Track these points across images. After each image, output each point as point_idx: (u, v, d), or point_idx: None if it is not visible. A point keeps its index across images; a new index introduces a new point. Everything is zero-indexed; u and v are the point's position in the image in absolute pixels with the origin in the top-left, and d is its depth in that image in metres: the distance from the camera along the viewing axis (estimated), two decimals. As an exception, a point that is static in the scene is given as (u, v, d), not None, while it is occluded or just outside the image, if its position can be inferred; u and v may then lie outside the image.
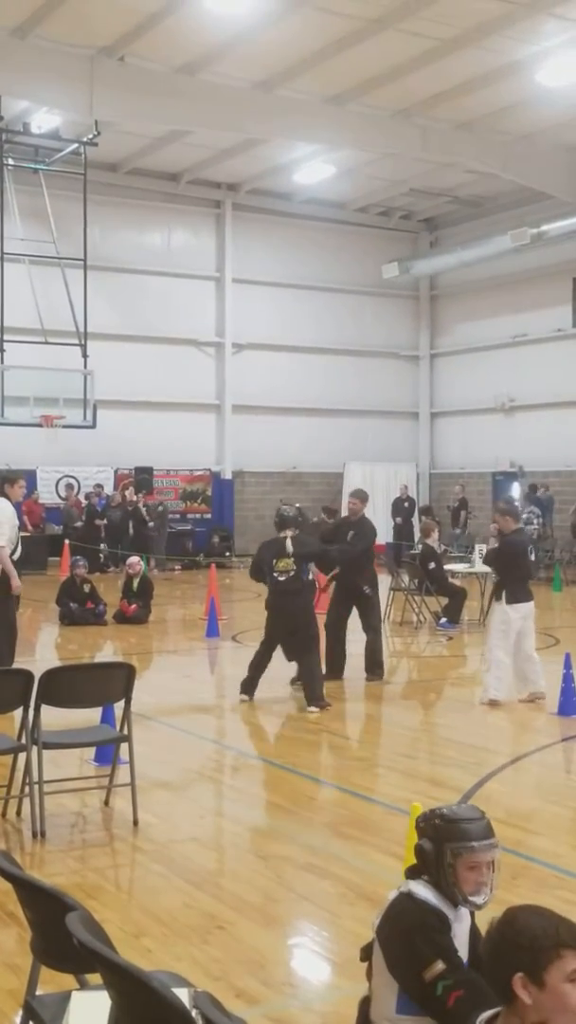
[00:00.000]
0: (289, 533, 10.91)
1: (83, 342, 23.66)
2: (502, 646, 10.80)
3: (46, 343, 23.29)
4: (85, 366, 23.57)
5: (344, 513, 12.89)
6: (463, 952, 3.53)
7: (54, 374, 23.05)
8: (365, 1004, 3.58)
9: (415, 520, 27.38)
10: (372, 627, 12.41)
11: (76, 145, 23.20)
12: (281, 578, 10.82)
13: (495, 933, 2.83)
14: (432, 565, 16.63)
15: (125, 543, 24.98)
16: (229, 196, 28.89)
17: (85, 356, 23.62)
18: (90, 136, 22.48)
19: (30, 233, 24.22)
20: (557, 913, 2.85)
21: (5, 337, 22.76)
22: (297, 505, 11.62)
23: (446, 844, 3.53)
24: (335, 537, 12.35)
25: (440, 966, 3.34)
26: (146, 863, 6.50)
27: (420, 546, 17.66)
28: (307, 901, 5.91)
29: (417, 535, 22.20)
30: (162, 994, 2.73)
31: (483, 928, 2.98)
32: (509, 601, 10.79)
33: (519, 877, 6.09)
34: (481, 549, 17.76)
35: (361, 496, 12.73)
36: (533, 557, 11.70)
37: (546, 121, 22.84)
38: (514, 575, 10.92)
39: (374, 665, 12.36)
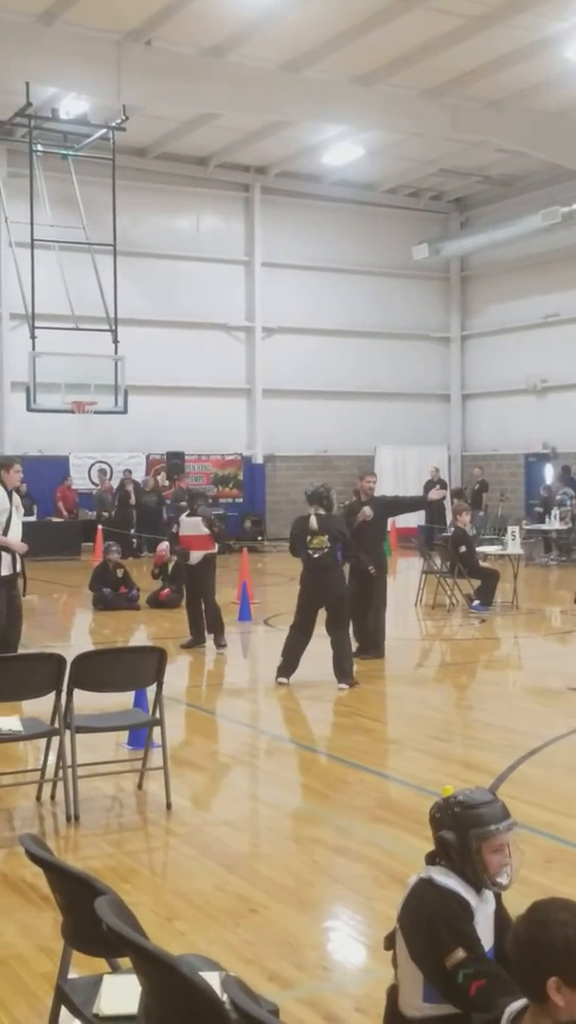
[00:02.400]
0: (312, 511, 11.01)
1: (114, 328, 23.67)
2: None
3: (77, 329, 23.31)
4: (116, 352, 23.57)
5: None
6: (488, 937, 3.51)
7: (85, 360, 23.08)
8: (393, 992, 3.57)
9: (447, 503, 27.26)
10: (374, 608, 12.42)
11: (104, 130, 23.15)
12: (315, 555, 10.95)
13: (524, 933, 2.79)
14: (463, 548, 16.55)
15: (160, 528, 25.02)
16: (258, 179, 28.80)
17: (116, 342, 23.62)
18: (118, 121, 22.44)
19: (60, 220, 24.23)
20: None
21: (36, 324, 22.80)
22: (321, 484, 11.57)
23: (470, 831, 3.51)
24: (348, 522, 12.36)
25: (461, 954, 3.32)
26: (179, 846, 6.51)
27: (452, 529, 17.58)
28: (340, 884, 5.91)
29: (449, 518, 22.08)
30: (190, 979, 2.73)
31: (512, 911, 2.96)
32: None
33: (553, 860, 6.06)
34: (514, 532, 17.72)
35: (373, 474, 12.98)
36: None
37: (576, 98, 22.61)
38: None
39: (371, 645, 12.39)
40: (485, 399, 31.34)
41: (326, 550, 10.91)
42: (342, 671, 10.89)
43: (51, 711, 7.10)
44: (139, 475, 27.06)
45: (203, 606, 13.18)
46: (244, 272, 29.11)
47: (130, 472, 26.80)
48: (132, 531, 25.44)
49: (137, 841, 6.67)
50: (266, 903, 5.57)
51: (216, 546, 13.34)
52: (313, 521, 10.95)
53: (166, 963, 2.84)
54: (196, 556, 13.09)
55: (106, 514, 25.75)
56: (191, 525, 13.17)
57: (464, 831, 3.51)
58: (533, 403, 29.28)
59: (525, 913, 2.84)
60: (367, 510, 12.26)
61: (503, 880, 3.54)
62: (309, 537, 10.97)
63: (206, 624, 13.16)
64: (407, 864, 5.88)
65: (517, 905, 3.06)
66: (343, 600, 11.14)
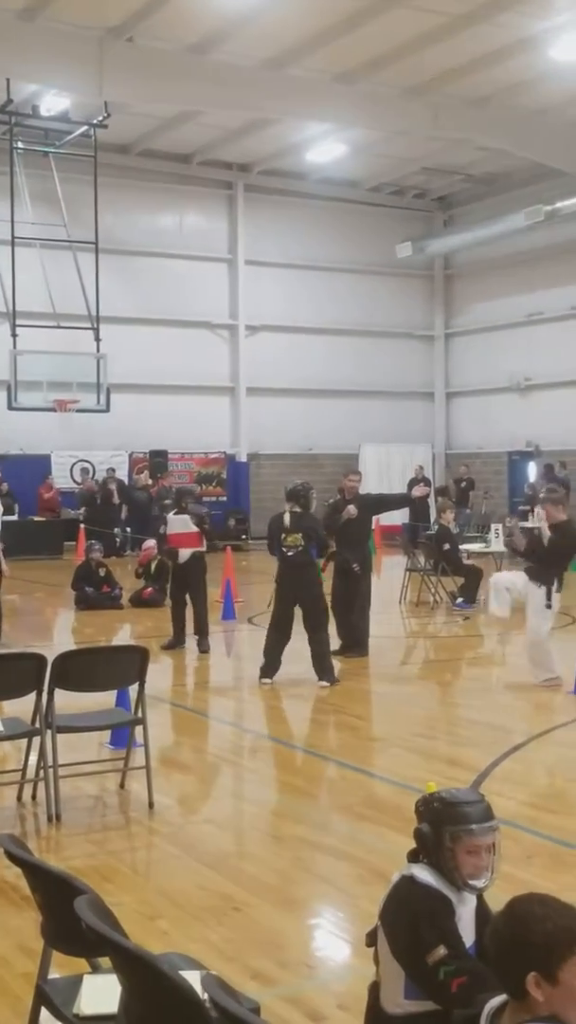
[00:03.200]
0: (287, 508, 11.03)
1: (96, 326, 23.61)
2: (543, 630, 10.74)
3: (59, 327, 23.25)
4: (98, 350, 23.53)
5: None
6: (469, 933, 3.50)
7: (67, 358, 23.03)
8: (375, 989, 3.56)
9: (431, 501, 27.29)
10: (358, 605, 12.40)
11: (86, 127, 23.10)
12: (289, 552, 10.97)
13: (504, 929, 2.78)
14: (447, 546, 16.56)
15: (149, 525, 24.94)
16: (241, 177, 28.75)
17: (98, 340, 23.57)
18: (100, 118, 22.38)
19: (41, 217, 24.17)
20: (563, 902, 2.81)
21: (17, 322, 22.73)
22: (301, 483, 11.57)
23: (445, 827, 3.48)
24: (332, 520, 12.36)
25: (442, 951, 3.31)
26: (162, 845, 6.49)
27: (436, 526, 17.59)
28: (324, 882, 5.90)
29: (433, 516, 22.10)
30: (170, 977, 2.71)
31: (494, 907, 2.94)
32: (559, 589, 10.66)
33: (535, 856, 6.07)
34: (497, 529, 17.74)
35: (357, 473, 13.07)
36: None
37: (559, 97, 22.62)
38: (562, 564, 10.79)
39: (354, 643, 12.39)
40: (469, 397, 31.38)
41: (300, 548, 10.91)
42: (322, 669, 10.91)
43: (32, 711, 7.07)
44: (122, 474, 26.99)
45: (192, 606, 13.06)
46: (227, 270, 29.07)
47: (114, 471, 26.74)
48: (116, 529, 25.36)
49: (119, 841, 6.64)
50: (249, 901, 5.55)
51: (205, 544, 13.26)
52: (287, 519, 10.97)
53: (145, 962, 2.82)
54: (184, 554, 13.02)
55: (80, 512, 25.51)
56: (179, 523, 13.11)
57: (439, 827, 3.49)
58: (517, 401, 29.33)
59: (504, 909, 2.83)
60: (351, 508, 12.25)
61: (478, 883, 3.50)
62: (283, 535, 10.97)
63: (194, 626, 13.07)
64: (390, 861, 5.86)
65: (498, 900, 3.05)
66: (318, 599, 11.09)
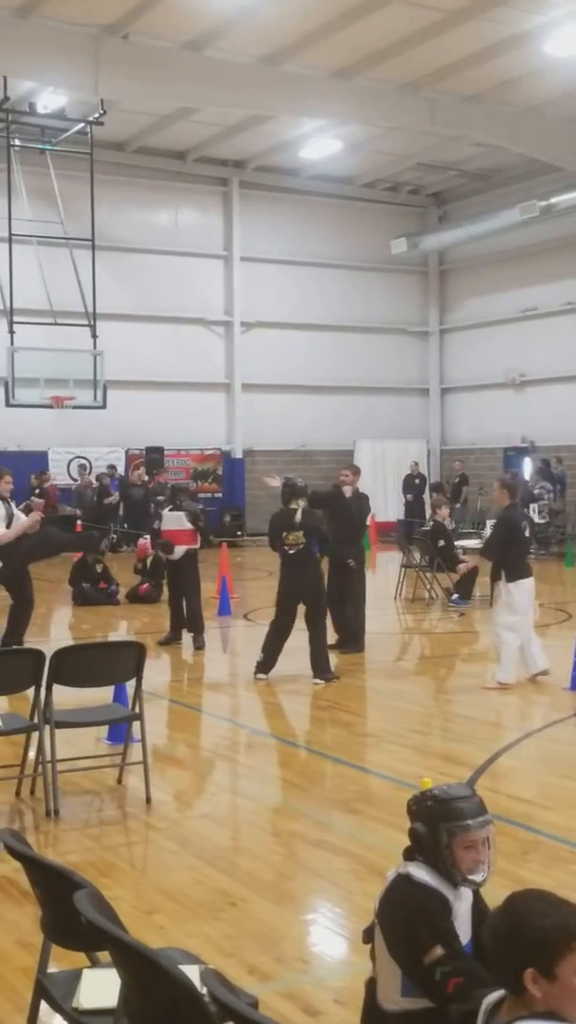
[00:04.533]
0: (300, 504, 11.00)
1: (92, 322, 23.59)
2: (507, 625, 10.62)
3: (55, 324, 23.23)
4: (95, 346, 23.51)
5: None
6: (466, 931, 3.52)
7: (64, 355, 23.00)
8: (371, 985, 3.58)
9: (426, 497, 27.34)
10: (353, 601, 12.45)
11: (82, 125, 23.07)
12: (291, 551, 10.97)
13: (501, 925, 2.80)
14: (442, 542, 16.60)
15: (145, 522, 24.96)
16: (236, 173, 28.75)
17: (94, 336, 23.55)
18: (96, 115, 22.35)
19: (38, 214, 24.15)
20: (561, 899, 2.84)
21: (14, 319, 22.71)
22: (295, 477, 11.62)
23: (440, 825, 3.50)
24: (332, 508, 12.39)
25: (439, 951, 3.32)
26: (159, 840, 6.52)
27: (431, 523, 17.63)
28: (320, 877, 5.93)
29: (428, 512, 22.14)
30: (169, 971, 2.74)
31: (490, 903, 2.97)
32: (509, 579, 10.50)
33: (531, 852, 6.10)
34: (492, 525, 17.78)
35: (355, 470, 13.10)
36: (528, 532, 11.39)
37: (554, 92, 22.64)
38: (510, 552, 10.67)
39: (350, 638, 12.47)
40: (464, 393, 31.40)
41: (301, 546, 10.93)
42: (319, 668, 10.95)
43: (30, 706, 7.10)
44: (119, 471, 27.01)
45: (186, 603, 13.10)
46: (223, 266, 29.07)
47: (115, 468, 26.77)
48: (110, 525, 25.37)
49: (117, 836, 6.68)
50: (246, 897, 5.59)
51: (198, 541, 13.27)
52: (298, 516, 10.95)
53: (145, 956, 2.85)
54: (179, 551, 13.04)
55: (79, 511, 25.57)
56: (173, 520, 13.13)
57: (435, 824, 3.51)
58: (511, 397, 29.35)
59: (502, 905, 2.86)
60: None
61: (476, 878, 3.52)
62: (285, 533, 10.99)
63: (187, 623, 13.11)
64: (386, 857, 5.91)
65: (495, 897, 3.08)
66: (320, 596, 11.16)
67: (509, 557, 10.60)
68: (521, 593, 10.56)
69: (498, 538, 10.85)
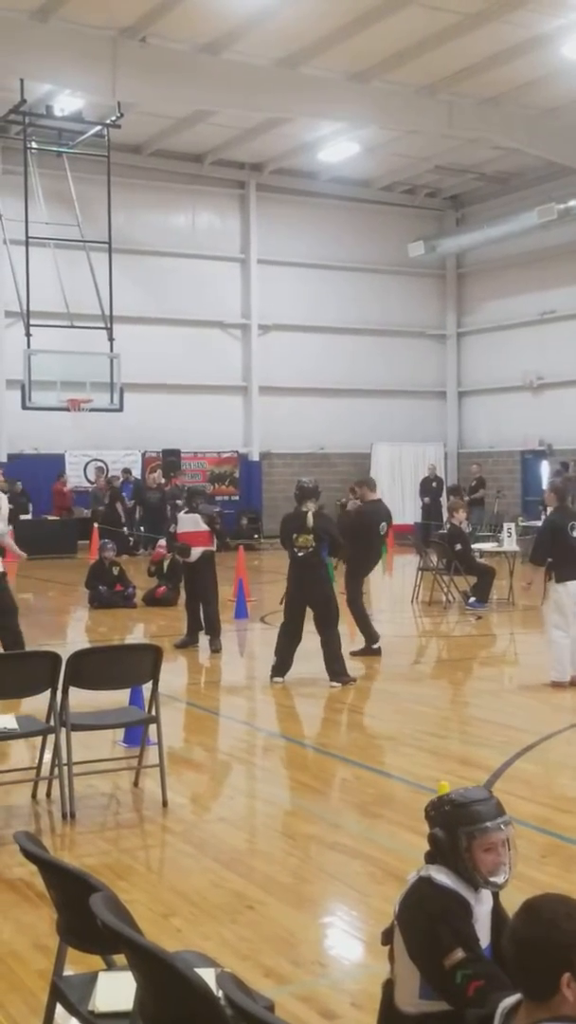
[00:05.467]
0: (310, 507, 10.94)
1: (109, 325, 23.63)
2: (555, 624, 10.68)
3: (72, 327, 23.28)
4: (111, 349, 23.55)
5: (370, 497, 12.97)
6: (485, 935, 3.50)
7: (80, 358, 23.04)
8: (389, 987, 3.57)
9: (443, 500, 27.28)
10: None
11: (99, 127, 23.11)
12: (300, 553, 10.91)
13: (529, 932, 2.77)
14: (459, 545, 16.56)
15: (161, 525, 24.99)
16: (253, 176, 28.77)
17: (111, 339, 23.59)
18: (113, 118, 22.39)
19: (55, 217, 24.21)
20: None
21: (31, 322, 22.77)
22: (311, 479, 11.60)
23: (460, 829, 3.49)
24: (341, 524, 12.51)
25: (460, 954, 3.31)
26: (175, 843, 6.51)
27: (448, 526, 17.59)
28: (336, 880, 5.91)
29: (445, 515, 22.10)
30: (185, 974, 2.72)
31: (509, 907, 2.95)
32: (558, 580, 10.56)
33: (549, 856, 6.07)
34: (510, 528, 17.75)
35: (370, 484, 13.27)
36: None
37: (572, 95, 22.57)
38: (555, 554, 10.67)
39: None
40: (481, 396, 31.33)
41: (311, 549, 10.86)
42: (333, 672, 10.90)
43: (47, 709, 7.10)
44: (136, 473, 27.06)
45: (202, 605, 13.09)
46: (240, 269, 29.09)
47: (130, 471, 26.82)
48: (124, 528, 25.41)
49: (133, 838, 6.67)
50: (262, 900, 5.57)
51: (215, 543, 13.27)
52: (309, 519, 10.89)
53: (161, 959, 2.84)
54: (195, 553, 13.02)
55: (101, 508, 25.71)
56: (189, 522, 13.12)
57: (454, 828, 3.50)
58: (529, 400, 29.28)
59: (522, 911, 2.83)
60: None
61: (498, 880, 3.52)
62: (295, 535, 10.92)
63: (204, 625, 13.09)
64: (403, 860, 5.89)
65: (514, 901, 3.06)
66: (329, 598, 11.05)
67: (555, 558, 10.65)
68: (568, 595, 10.62)
69: (540, 540, 10.97)
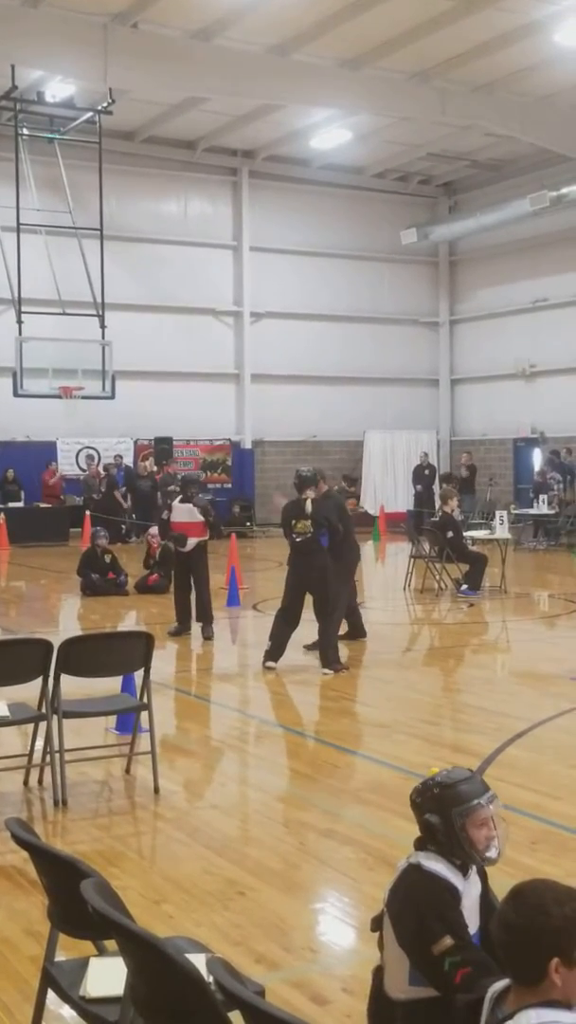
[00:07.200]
0: (309, 494, 10.95)
1: (101, 312, 23.60)
2: None
3: (64, 314, 23.25)
4: (103, 337, 23.52)
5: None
6: (474, 920, 3.52)
7: (72, 345, 23.01)
8: (379, 974, 3.58)
9: (436, 488, 27.33)
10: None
11: (91, 114, 23.04)
12: (298, 539, 10.96)
13: (517, 917, 2.77)
14: (451, 533, 16.57)
15: (154, 513, 25.00)
16: (246, 163, 28.70)
17: (103, 327, 23.56)
18: (104, 104, 22.33)
19: (46, 203, 24.14)
20: (567, 887, 2.83)
21: (23, 308, 22.72)
22: (312, 468, 11.59)
23: (452, 810, 3.51)
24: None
25: (448, 942, 3.32)
26: (167, 830, 6.52)
27: (440, 514, 17.60)
28: (328, 867, 5.92)
29: (438, 503, 22.12)
30: (176, 960, 2.73)
31: (500, 893, 2.96)
32: None
33: (539, 842, 6.09)
34: (502, 516, 17.77)
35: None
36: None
37: (565, 82, 22.56)
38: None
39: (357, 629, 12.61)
40: (474, 384, 31.34)
41: (309, 535, 10.90)
42: (327, 659, 10.92)
43: (38, 696, 7.10)
44: (127, 461, 27.03)
45: (194, 594, 13.09)
46: (232, 256, 29.03)
47: (121, 458, 26.79)
48: (125, 517, 25.40)
49: (125, 825, 6.67)
50: (254, 886, 5.58)
51: (208, 533, 13.26)
52: (308, 506, 10.93)
53: (151, 944, 2.84)
54: (190, 543, 13.01)
55: (96, 496, 25.71)
56: (184, 512, 13.09)
57: (447, 811, 3.51)
58: (522, 388, 29.29)
59: (511, 896, 2.84)
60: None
61: (491, 854, 3.55)
62: (293, 521, 10.97)
63: (196, 613, 13.09)
64: (395, 847, 5.90)
65: (504, 886, 3.06)
66: (325, 586, 11.06)
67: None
68: None
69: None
